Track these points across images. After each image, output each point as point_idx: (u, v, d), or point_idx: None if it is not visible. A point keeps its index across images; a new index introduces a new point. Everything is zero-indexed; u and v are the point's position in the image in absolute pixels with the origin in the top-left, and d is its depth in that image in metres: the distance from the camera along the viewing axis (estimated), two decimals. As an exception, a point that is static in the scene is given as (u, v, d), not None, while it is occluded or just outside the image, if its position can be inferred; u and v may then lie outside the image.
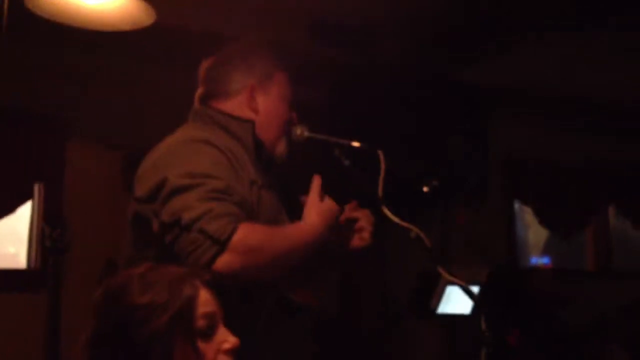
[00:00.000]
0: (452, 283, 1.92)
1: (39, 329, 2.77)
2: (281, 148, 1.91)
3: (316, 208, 1.76)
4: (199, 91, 1.91)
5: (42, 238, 3.03)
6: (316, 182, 1.80)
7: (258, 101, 1.87)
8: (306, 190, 1.81)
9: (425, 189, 2.41)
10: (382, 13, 3.27)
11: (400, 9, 3.23)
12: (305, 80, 3.13)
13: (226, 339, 1.29)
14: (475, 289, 3.39)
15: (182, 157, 1.68)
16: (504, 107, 4.29)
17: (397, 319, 4.07)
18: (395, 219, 1.85)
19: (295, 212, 1.86)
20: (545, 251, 5.58)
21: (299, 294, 1.77)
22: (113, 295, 1.27)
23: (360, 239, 1.92)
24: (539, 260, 5.56)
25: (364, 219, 1.93)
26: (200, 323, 1.26)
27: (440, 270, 1.87)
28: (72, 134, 3.43)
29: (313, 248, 1.72)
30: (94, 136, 3.48)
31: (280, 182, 1.96)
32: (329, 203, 1.78)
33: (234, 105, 1.86)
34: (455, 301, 3.45)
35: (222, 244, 1.53)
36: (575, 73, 4.00)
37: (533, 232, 5.42)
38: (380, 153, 1.90)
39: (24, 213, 3.42)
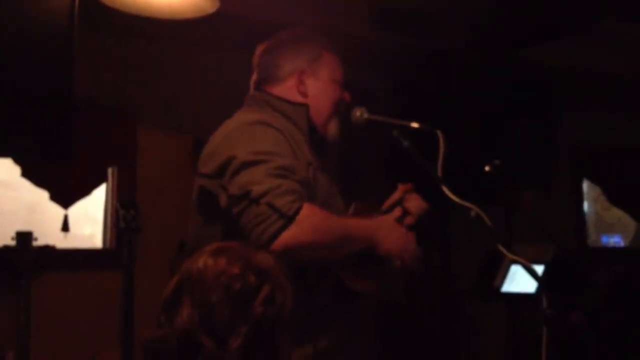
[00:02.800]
0: (517, 262, 1.92)
1: (115, 304, 2.91)
2: (333, 129, 1.95)
3: (397, 234, 1.83)
4: (253, 77, 1.97)
5: (116, 219, 3.16)
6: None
7: (307, 85, 1.91)
8: (367, 173, 1.84)
9: (487, 168, 2.38)
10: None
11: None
12: (367, 65, 3.16)
13: None
14: (540, 269, 3.36)
15: (247, 137, 1.75)
16: (574, 89, 4.21)
17: (462, 300, 4.06)
18: (455, 198, 1.85)
19: (349, 194, 1.89)
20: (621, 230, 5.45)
21: (357, 281, 1.79)
22: (225, 276, 1.25)
23: (410, 216, 1.94)
24: (610, 239, 5.46)
25: (411, 201, 1.96)
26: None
27: (501, 248, 1.88)
28: (143, 120, 3.54)
29: (368, 245, 1.78)
30: (163, 121, 3.59)
31: (334, 165, 2.00)
32: (406, 231, 1.84)
33: (285, 90, 1.91)
34: (520, 280, 3.42)
35: (288, 219, 1.60)
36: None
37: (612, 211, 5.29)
38: (440, 133, 1.91)
39: (99, 196, 3.57)
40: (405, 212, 1.96)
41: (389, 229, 1.83)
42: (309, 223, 1.62)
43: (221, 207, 1.71)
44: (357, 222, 1.82)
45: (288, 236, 1.59)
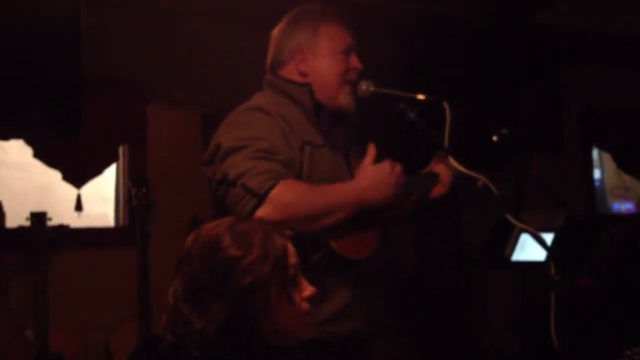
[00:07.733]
0: (526, 230, 1.94)
1: (130, 281, 2.96)
2: (344, 100, 1.95)
3: (365, 171, 1.82)
4: (267, 61, 2.02)
5: (128, 198, 3.20)
6: (370, 150, 1.85)
7: (307, 62, 1.94)
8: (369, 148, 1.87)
9: (494, 138, 2.40)
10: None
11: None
12: (376, 34, 3.15)
13: (306, 287, 1.40)
14: (550, 236, 3.37)
15: (236, 124, 1.84)
16: (583, 52, 4.17)
17: (472, 269, 4.09)
18: (462, 169, 1.89)
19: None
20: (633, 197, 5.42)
21: (347, 247, 1.81)
22: (209, 248, 1.32)
23: (441, 185, 2.06)
24: (621, 206, 5.44)
25: (442, 168, 2.06)
26: (291, 272, 1.36)
27: (509, 217, 1.90)
28: (153, 97, 3.53)
29: (356, 206, 1.78)
30: (173, 98, 3.59)
31: (349, 141, 2.02)
32: (381, 165, 1.83)
33: (289, 72, 1.96)
34: (531, 248, 3.43)
35: (260, 198, 1.67)
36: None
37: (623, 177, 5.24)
38: (446, 104, 1.93)
39: (111, 174, 3.60)
40: (436, 179, 2.06)
41: (371, 179, 1.80)
42: (280, 200, 1.67)
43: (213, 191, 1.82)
44: (341, 187, 1.81)
45: (261, 214, 1.65)
